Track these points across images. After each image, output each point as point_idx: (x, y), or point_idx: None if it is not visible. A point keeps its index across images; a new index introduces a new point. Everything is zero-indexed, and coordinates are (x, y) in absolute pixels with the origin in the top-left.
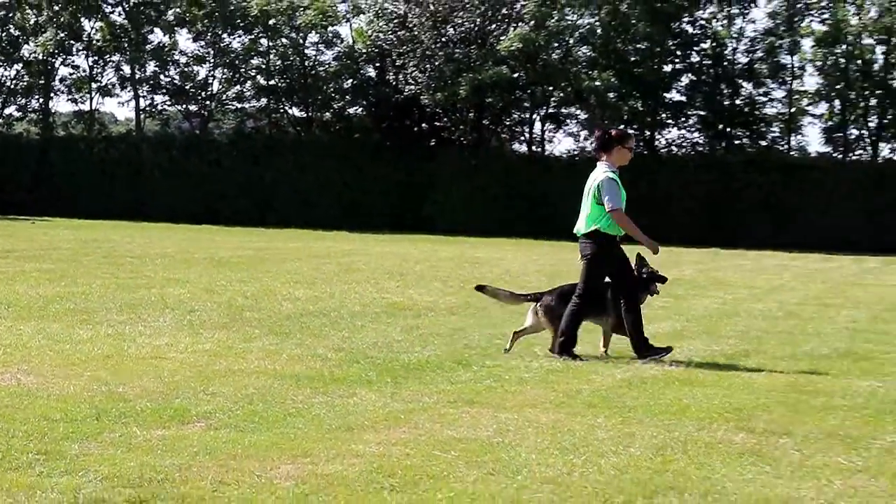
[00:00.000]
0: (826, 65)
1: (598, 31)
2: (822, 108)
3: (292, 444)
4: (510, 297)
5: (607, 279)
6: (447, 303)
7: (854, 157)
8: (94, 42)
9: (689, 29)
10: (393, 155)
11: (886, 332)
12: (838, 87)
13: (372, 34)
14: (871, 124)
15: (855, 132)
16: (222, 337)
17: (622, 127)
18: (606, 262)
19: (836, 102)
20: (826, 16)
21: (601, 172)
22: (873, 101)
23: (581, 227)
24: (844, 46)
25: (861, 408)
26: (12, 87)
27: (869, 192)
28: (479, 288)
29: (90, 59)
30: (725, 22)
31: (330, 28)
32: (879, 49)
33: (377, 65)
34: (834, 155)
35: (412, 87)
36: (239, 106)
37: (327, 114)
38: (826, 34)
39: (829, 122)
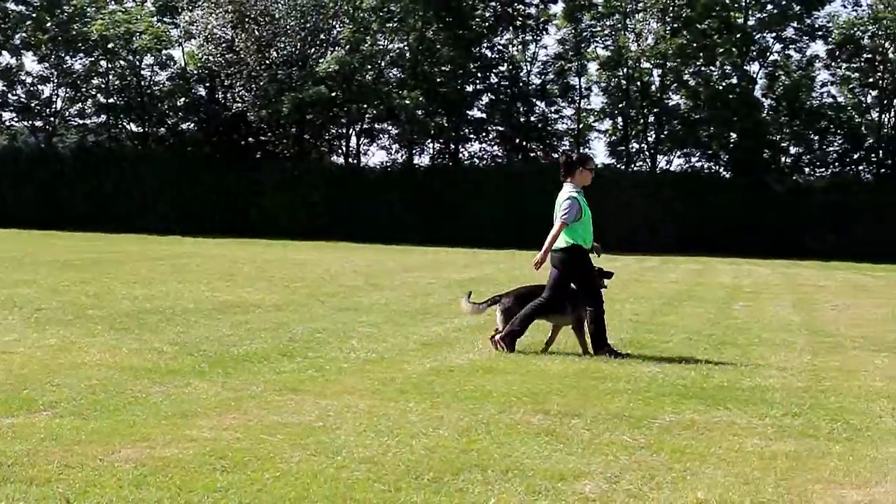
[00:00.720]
0: (610, 86)
1: (407, 54)
2: (607, 124)
3: (132, 430)
4: (478, 308)
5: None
6: (272, 300)
7: (635, 168)
8: None
9: (489, 53)
10: (222, 166)
11: (664, 324)
12: (620, 105)
13: (202, 57)
14: (649, 139)
15: (636, 146)
16: (67, 333)
17: (584, 151)
18: (579, 271)
19: (619, 119)
20: (609, 42)
21: (566, 192)
22: (651, 119)
23: (558, 242)
24: (625, 70)
25: (643, 391)
26: None
27: (648, 199)
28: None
29: None
30: (520, 47)
31: (164, 51)
32: (656, 72)
33: (207, 85)
34: (617, 166)
35: (239, 104)
36: (81, 122)
37: (162, 129)
38: (609, 59)
39: (613, 137)
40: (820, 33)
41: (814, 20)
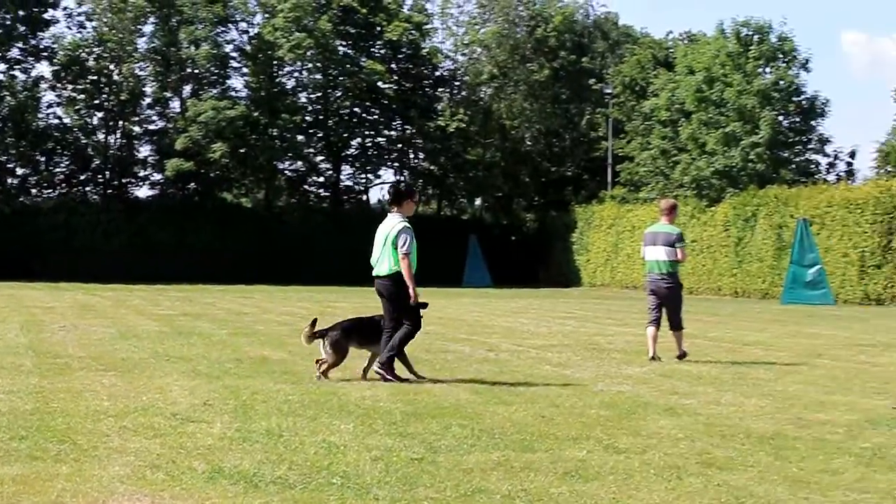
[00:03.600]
0: None
1: None
2: None
3: None
4: (308, 338)
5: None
6: None
7: None
8: None
9: None
10: None
11: None
12: None
13: None
14: None
15: None
16: None
17: (409, 182)
18: (405, 295)
19: None
20: None
21: (397, 222)
22: None
23: (383, 269)
24: None
25: None
26: None
27: None
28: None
29: None
30: None
31: None
32: None
33: None
34: None
35: None
36: None
37: None
38: None
39: None
40: (45, 54)
41: (39, 41)
